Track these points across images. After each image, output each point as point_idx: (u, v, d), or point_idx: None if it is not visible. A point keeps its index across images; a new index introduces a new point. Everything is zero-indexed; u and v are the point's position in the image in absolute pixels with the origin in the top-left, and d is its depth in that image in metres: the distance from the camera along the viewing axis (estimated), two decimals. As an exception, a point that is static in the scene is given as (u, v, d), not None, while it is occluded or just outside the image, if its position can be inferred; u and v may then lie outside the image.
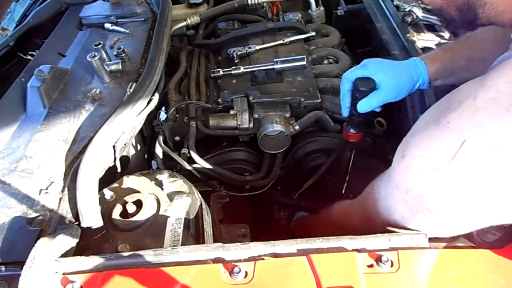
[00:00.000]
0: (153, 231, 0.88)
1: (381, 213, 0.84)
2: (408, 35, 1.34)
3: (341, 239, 0.77)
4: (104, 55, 1.27)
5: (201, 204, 1.00)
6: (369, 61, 1.00)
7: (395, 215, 0.80)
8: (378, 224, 0.87)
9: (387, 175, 0.81)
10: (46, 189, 0.92)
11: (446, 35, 1.35)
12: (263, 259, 0.75)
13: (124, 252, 0.79)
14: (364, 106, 0.99)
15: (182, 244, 0.84)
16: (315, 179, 1.33)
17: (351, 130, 1.12)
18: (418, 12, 1.39)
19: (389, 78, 0.96)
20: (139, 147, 1.40)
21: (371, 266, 0.73)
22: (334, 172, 1.32)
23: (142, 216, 0.90)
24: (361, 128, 1.12)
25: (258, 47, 1.52)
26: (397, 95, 0.99)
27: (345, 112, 1.09)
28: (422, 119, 0.78)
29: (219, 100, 1.35)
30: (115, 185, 1.01)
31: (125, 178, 1.01)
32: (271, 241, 0.77)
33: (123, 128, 1.04)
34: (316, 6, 1.83)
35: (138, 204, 0.92)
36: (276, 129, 1.23)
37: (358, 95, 1.00)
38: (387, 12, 1.49)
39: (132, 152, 1.32)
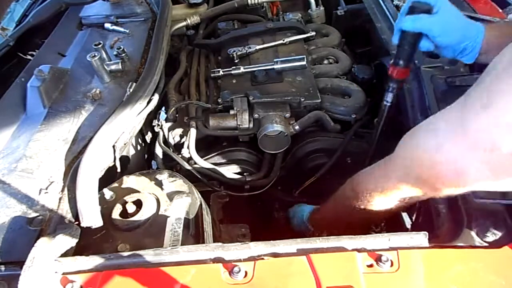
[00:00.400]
0: (153, 231, 0.88)
1: (445, 176, 0.71)
2: (408, 35, 1.34)
3: (341, 238, 0.77)
4: (104, 55, 1.27)
5: (201, 204, 1.00)
6: None
7: (467, 176, 0.67)
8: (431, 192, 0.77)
9: (452, 134, 0.67)
10: (46, 189, 0.92)
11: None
12: (263, 259, 0.75)
13: (124, 252, 0.79)
14: (408, 21, 0.91)
15: (182, 244, 0.84)
16: (318, 176, 1.33)
17: (400, 62, 1.02)
18: (418, 12, 1.38)
19: (444, 13, 0.90)
20: (139, 147, 1.40)
21: (371, 266, 0.73)
22: (336, 170, 1.32)
23: (142, 216, 0.90)
24: (410, 62, 1.02)
25: (258, 47, 1.52)
26: (442, 33, 0.91)
27: (395, 38, 1.00)
28: (504, 57, 0.63)
29: (219, 100, 1.35)
30: (115, 185, 1.01)
31: (125, 178, 1.01)
32: (271, 241, 0.77)
33: (123, 128, 1.04)
34: (316, 6, 1.83)
35: (138, 204, 0.92)
36: (276, 129, 1.23)
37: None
38: (387, 12, 1.50)
39: (132, 152, 1.32)
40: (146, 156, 1.49)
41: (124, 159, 1.24)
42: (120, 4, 1.62)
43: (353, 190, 1.00)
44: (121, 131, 1.03)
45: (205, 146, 1.37)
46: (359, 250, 0.75)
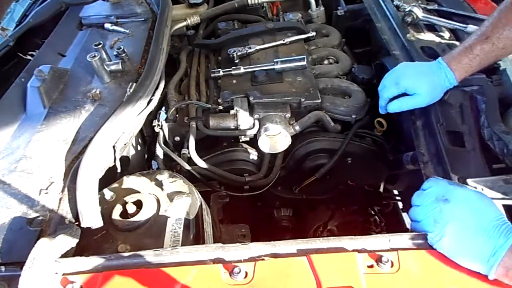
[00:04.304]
0: (153, 232, 0.88)
1: None
2: (408, 35, 1.34)
3: (341, 239, 0.77)
4: (104, 55, 1.27)
5: (201, 204, 1.00)
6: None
7: None
8: None
9: None
10: (46, 189, 0.92)
11: (446, 35, 1.35)
12: (263, 259, 0.75)
13: (124, 252, 0.79)
14: (394, 107, 1.13)
15: (182, 245, 0.85)
16: (319, 175, 1.33)
17: None
18: (418, 12, 1.38)
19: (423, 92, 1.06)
20: (139, 147, 1.40)
21: (371, 266, 0.73)
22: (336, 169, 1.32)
23: (142, 216, 0.90)
24: None
25: (258, 47, 1.51)
26: (429, 102, 1.08)
27: (381, 110, 1.21)
28: None
29: (219, 100, 1.34)
30: (115, 185, 1.01)
31: (125, 178, 1.02)
32: (271, 242, 0.77)
33: (123, 128, 1.04)
34: (316, 6, 1.83)
35: (138, 204, 0.92)
36: (276, 129, 1.23)
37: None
38: (387, 12, 1.49)
39: (132, 152, 1.32)
40: (146, 156, 1.49)
41: (124, 160, 1.24)
42: (120, 4, 1.62)
43: None
44: (121, 131, 1.03)
45: (205, 146, 1.37)
46: (359, 251, 0.75)
